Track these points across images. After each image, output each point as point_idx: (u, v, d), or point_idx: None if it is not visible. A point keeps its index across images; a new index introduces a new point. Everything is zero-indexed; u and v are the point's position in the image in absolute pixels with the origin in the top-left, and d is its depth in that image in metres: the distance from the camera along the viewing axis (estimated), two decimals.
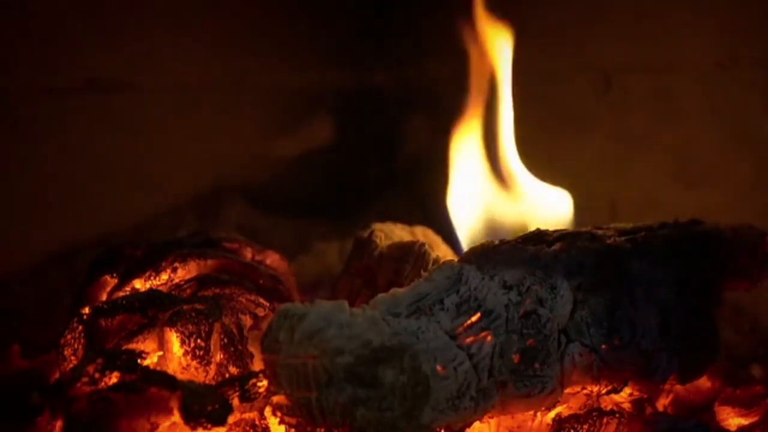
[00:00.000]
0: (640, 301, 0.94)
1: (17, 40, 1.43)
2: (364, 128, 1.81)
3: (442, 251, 1.17)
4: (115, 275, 1.06)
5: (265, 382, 0.92)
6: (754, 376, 1.17)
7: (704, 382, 1.06)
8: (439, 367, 0.84)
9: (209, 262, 1.06)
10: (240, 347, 0.99)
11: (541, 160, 1.22)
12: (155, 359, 0.94)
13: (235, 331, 0.99)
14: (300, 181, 1.76)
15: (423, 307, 0.87)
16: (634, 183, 1.53)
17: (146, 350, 0.95)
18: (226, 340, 0.98)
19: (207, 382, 0.96)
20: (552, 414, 0.97)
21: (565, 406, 0.96)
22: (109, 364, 0.89)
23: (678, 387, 1.02)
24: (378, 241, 1.12)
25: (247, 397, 0.92)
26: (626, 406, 0.99)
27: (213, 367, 0.97)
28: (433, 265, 1.04)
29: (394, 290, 0.90)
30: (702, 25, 1.46)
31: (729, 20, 1.44)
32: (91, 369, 0.88)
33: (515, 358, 0.88)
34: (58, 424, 0.89)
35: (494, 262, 0.93)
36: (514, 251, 0.95)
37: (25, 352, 1.15)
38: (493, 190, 1.20)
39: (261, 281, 1.07)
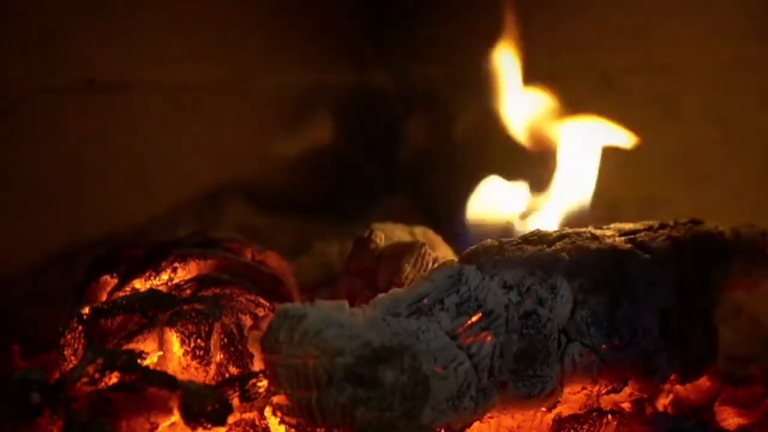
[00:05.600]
0: (640, 301, 0.94)
1: (17, 40, 1.42)
2: (364, 128, 1.80)
3: (442, 251, 1.17)
4: (115, 275, 1.06)
5: (265, 382, 0.92)
6: (754, 376, 1.17)
7: (704, 382, 1.06)
8: (439, 368, 0.84)
9: (209, 262, 1.06)
10: (240, 347, 0.99)
11: (541, 160, 1.23)
12: (155, 359, 0.94)
13: (235, 331, 0.99)
14: (300, 181, 1.76)
15: (423, 307, 0.87)
16: (634, 183, 1.53)
17: (146, 350, 0.95)
18: (226, 340, 0.98)
19: (207, 382, 0.96)
20: (552, 414, 0.96)
21: (565, 406, 0.96)
22: (109, 364, 0.89)
23: (678, 387, 1.02)
24: (378, 241, 1.12)
25: (247, 397, 0.92)
26: (626, 406, 0.99)
27: (213, 367, 0.97)
28: (433, 265, 1.04)
29: (394, 290, 0.90)
30: (702, 26, 1.46)
31: (729, 20, 1.44)
32: (91, 369, 0.88)
33: (515, 358, 0.88)
34: (58, 424, 0.89)
35: (494, 262, 0.93)
36: (514, 251, 0.95)
37: (25, 352, 1.15)
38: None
39: (261, 281, 1.07)
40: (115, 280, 1.06)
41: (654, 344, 0.94)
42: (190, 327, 0.97)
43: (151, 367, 0.93)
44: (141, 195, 1.57)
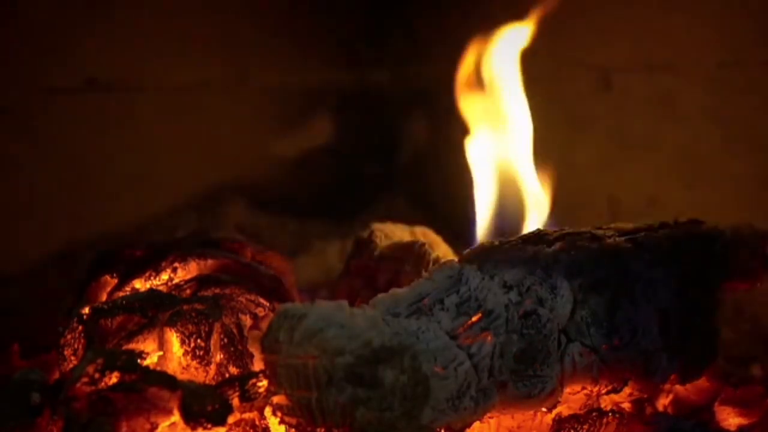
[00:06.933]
0: (640, 301, 0.94)
1: (18, 40, 1.42)
2: (364, 128, 1.80)
3: (442, 251, 1.17)
4: (115, 275, 1.06)
5: (265, 382, 0.92)
6: (754, 376, 1.17)
7: (704, 382, 1.06)
8: (439, 368, 0.84)
9: (209, 262, 1.06)
10: (240, 347, 0.99)
11: (542, 160, 1.23)
12: (155, 359, 0.94)
13: (235, 331, 0.99)
14: (300, 181, 1.76)
15: (423, 307, 0.87)
16: (634, 183, 1.53)
17: (146, 350, 0.95)
18: (226, 340, 0.98)
19: (207, 382, 0.96)
20: (552, 414, 0.97)
21: (565, 406, 0.96)
22: (109, 364, 0.89)
23: (678, 387, 1.02)
24: (378, 241, 1.12)
25: (247, 397, 0.92)
26: (626, 406, 0.99)
27: (213, 367, 0.97)
28: (433, 265, 1.04)
29: (394, 290, 0.90)
30: (702, 25, 1.46)
31: (729, 20, 1.44)
32: (91, 369, 0.88)
33: (515, 358, 0.88)
34: (58, 424, 0.89)
35: (494, 262, 0.93)
36: (514, 251, 0.95)
37: (25, 352, 1.15)
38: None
39: (261, 281, 1.07)
40: (115, 280, 1.06)
41: (654, 344, 0.94)
42: (190, 327, 0.97)
43: (151, 367, 0.93)
44: (141, 195, 1.57)
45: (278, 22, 1.71)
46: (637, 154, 1.54)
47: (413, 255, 1.07)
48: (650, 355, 0.94)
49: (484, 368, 0.87)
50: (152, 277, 1.05)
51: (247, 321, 1.01)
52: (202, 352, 0.97)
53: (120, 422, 0.88)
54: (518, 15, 1.28)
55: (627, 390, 0.96)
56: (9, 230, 1.43)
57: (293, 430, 0.90)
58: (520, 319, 0.89)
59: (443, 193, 1.21)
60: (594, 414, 0.97)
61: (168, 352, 0.96)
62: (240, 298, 1.03)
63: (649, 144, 1.53)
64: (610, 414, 0.97)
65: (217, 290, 1.03)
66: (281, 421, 0.87)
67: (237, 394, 0.91)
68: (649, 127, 1.53)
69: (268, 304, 1.03)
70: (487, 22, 1.30)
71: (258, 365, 0.97)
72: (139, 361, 0.91)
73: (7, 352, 1.15)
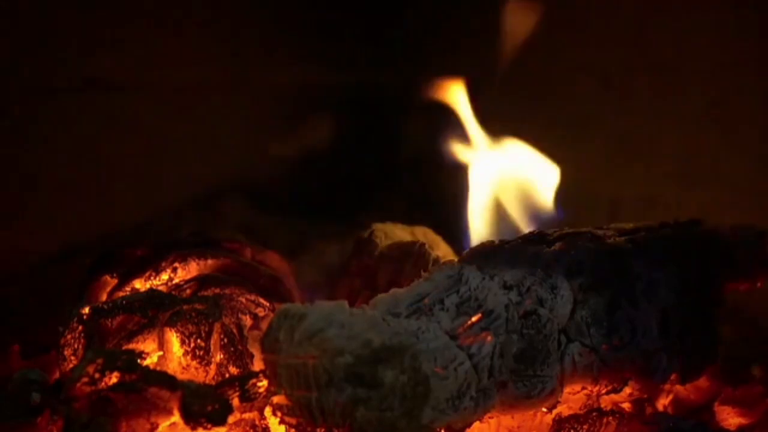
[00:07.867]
0: (640, 301, 0.94)
1: (17, 40, 1.42)
2: (364, 128, 1.80)
3: (442, 251, 1.17)
4: (115, 275, 1.06)
5: (265, 382, 0.92)
6: (754, 376, 1.17)
7: (704, 382, 1.06)
8: (439, 368, 0.84)
9: (209, 262, 1.07)
10: (240, 347, 0.99)
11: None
12: (155, 359, 0.95)
13: (235, 331, 0.99)
14: (300, 181, 1.76)
15: (423, 307, 0.87)
16: (634, 183, 1.53)
17: (146, 350, 0.95)
18: (226, 340, 0.98)
19: (207, 382, 0.96)
20: (552, 414, 0.97)
21: (565, 406, 0.96)
22: (109, 364, 0.89)
23: (678, 387, 1.02)
24: (378, 241, 1.12)
25: (247, 397, 0.92)
26: (626, 406, 0.99)
27: (213, 367, 0.97)
28: (433, 265, 1.04)
29: (394, 290, 0.90)
30: (702, 25, 1.46)
31: (729, 20, 1.44)
32: (91, 369, 0.88)
33: (515, 358, 0.88)
34: (58, 424, 0.89)
35: (494, 262, 0.93)
36: (514, 251, 0.95)
37: (25, 352, 1.15)
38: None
39: (261, 281, 1.08)
40: (115, 280, 1.06)
41: (654, 344, 0.94)
42: (190, 327, 0.97)
43: (151, 367, 0.93)
44: (141, 195, 1.57)
45: (278, 23, 1.71)
46: (638, 154, 1.54)
47: (413, 255, 1.07)
48: (650, 355, 0.94)
49: (484, 368, 0.87)
50: (152, 277, 1.05)
51: (247, 321, 1.01)
52: (202, 352, 0.97)
53: (120, 422, 0.88)
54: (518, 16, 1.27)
55: (627, 390, 0.96)
56: (9, 230, 1.43)
57: (293, 430, 0.90)
58: (520, 319, 0.89)
59: (443, 193, 1.21)
60: (594, 414, 0.97)
61: (168, 352, 0.96)
62: (240, 298, 1.03)
63: (649, 144, 1.53)
64: (610, 414, 0.97)
65: (217, 290, 1.03)
66: (281, 421, 0.87)
67: (237, 394, 0.91)
68: (649, 128, 1.53)
69: (268, 304, 1.04)
70: (485, 23, 1.30)
71: (258, 365, 0.97)
72: (139, 361, 0.91)
73: (7, 352, 1.15)
